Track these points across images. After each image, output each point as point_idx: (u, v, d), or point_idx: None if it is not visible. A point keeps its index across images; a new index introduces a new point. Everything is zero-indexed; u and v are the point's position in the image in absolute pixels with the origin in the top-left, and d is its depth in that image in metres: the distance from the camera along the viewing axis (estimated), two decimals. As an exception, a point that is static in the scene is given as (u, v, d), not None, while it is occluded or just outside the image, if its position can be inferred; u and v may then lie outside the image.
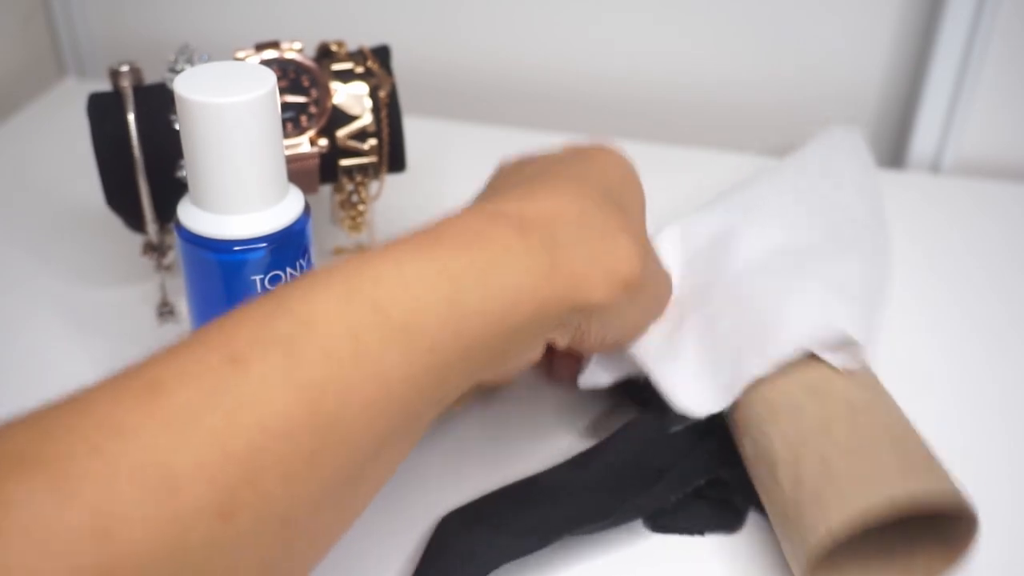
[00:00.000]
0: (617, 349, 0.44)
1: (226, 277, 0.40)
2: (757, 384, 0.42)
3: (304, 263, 0.42)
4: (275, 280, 0.41)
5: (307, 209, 0.42)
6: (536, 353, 0.39)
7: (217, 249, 0.40)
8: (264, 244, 0.40)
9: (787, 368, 0.42)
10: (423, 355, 0.31)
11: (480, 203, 0.39)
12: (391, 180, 0.57)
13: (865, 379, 0.43)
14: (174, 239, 0.50)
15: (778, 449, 0.40)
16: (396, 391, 0.30)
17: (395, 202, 0.63)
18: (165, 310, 0.54)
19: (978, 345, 0.54)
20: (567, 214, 0.37)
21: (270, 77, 0.39)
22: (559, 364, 0.48)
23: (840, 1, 0.72)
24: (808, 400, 0.41)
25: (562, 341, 0.39)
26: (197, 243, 0.40)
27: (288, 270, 0.41)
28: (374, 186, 0.55)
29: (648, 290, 0.41)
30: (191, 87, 0.38)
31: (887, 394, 0.43)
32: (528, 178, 0.41)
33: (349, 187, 0.54)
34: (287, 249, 0.41)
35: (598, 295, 0.37)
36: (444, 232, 0.35)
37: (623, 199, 0.41)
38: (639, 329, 0.43)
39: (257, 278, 0.40)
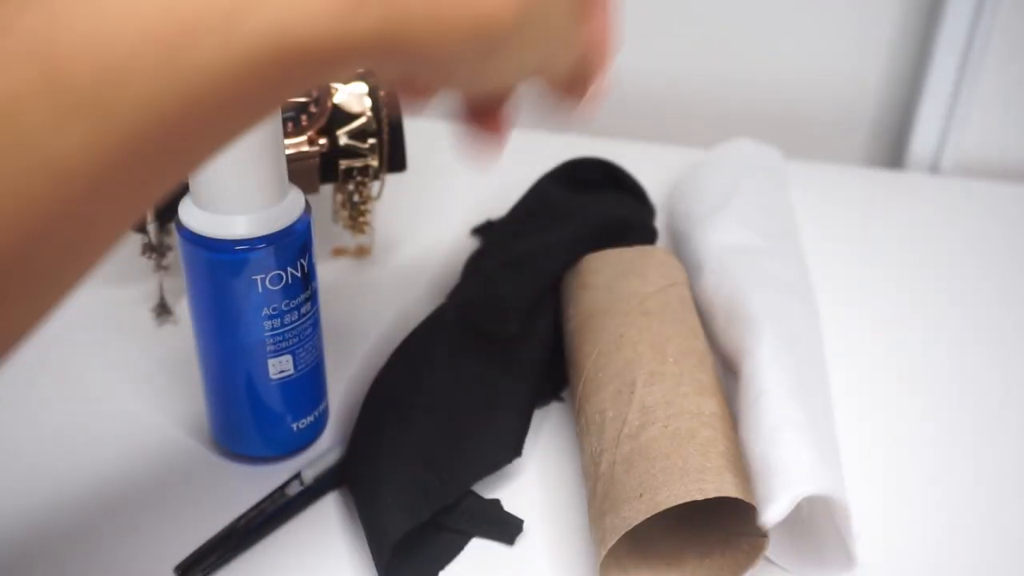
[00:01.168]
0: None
1: (227, 277, 0.40)
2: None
3: (305, 262, 0.42)
4: (276, 280, 0.41)
5: (308, 209, 0.42)
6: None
7: (218, 249, 0.40)
8: (264, 244, 0.40)
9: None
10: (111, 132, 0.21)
11: None
12: (392, 180, 0.57)
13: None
14: (173, 240, 0.51)
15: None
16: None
17: (396, 202, 0.63)
18: (162, 311, 0.54)
19: (978, 345, 0.54)
20: None
21: None
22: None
23: (840, 2, 0.72)
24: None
25: (385, 76, 0.30)
26: (198, 243, 0.40)
27: (289, 269, 0.41)
28: (375, 186, 0.55)
29: (530, 36, 0.27)
30: None
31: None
32: None
33: (350, 187, 0.54)
34: (288, 249, 0.41)
35: (430, 43, 0.24)
36: None
37: None
38: (507, 84, 0.30)
39: (258, 278, 0.40)
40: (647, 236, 0.56)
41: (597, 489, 0.40)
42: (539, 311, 0.50)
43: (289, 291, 0.41)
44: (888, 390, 0.51)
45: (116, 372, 0.51)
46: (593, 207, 0.55)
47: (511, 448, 0.44)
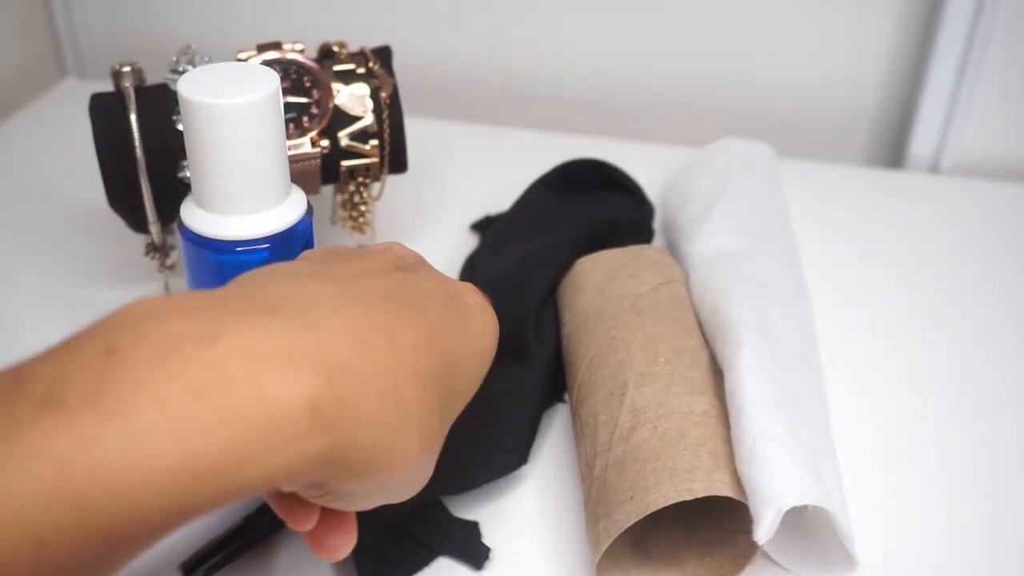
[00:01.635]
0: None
1: (228, 278, 0.40)
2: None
3: None
4: None
5: (309, 210, 0.42)
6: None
7: (219, 249, 0.40)
8: (266, 244, 0.40)
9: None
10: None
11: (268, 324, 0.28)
12: (392, 181, 0.57)
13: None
14: (176, 239, 0.51)
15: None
16: None
17: (396, 202, 0.63)
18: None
19: (978, 345, 0.54)
20: (382, 385, 0.29)
21: (273, 78, 0.39)
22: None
23: (840, 2, 0.72)
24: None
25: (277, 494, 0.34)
26: (200, 243, 0.40)
27: None
28: (375, 187, 0.55)
29: (406, 482, 0.33)
30: (194, 88, 0.38)
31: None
32: (384, 296, 0.31)
33: (351, 187, 0.54)
34: (289, 249, 0.41)
35: (346, 486, 0.30)
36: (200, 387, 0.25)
37: (456, 383, 0.33)
38: (370, 504, 0.33)
39: None
40: (641, 235, 0.56)
41: (592, 493, 0.40)
42: (543, 318, 0.50)
43: None
44: (888, 390, 0.51)
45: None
46: (584, 211, 0.55)
47: (518, 455, 0.44)
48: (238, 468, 0.25)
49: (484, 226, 0.62)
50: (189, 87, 0.38)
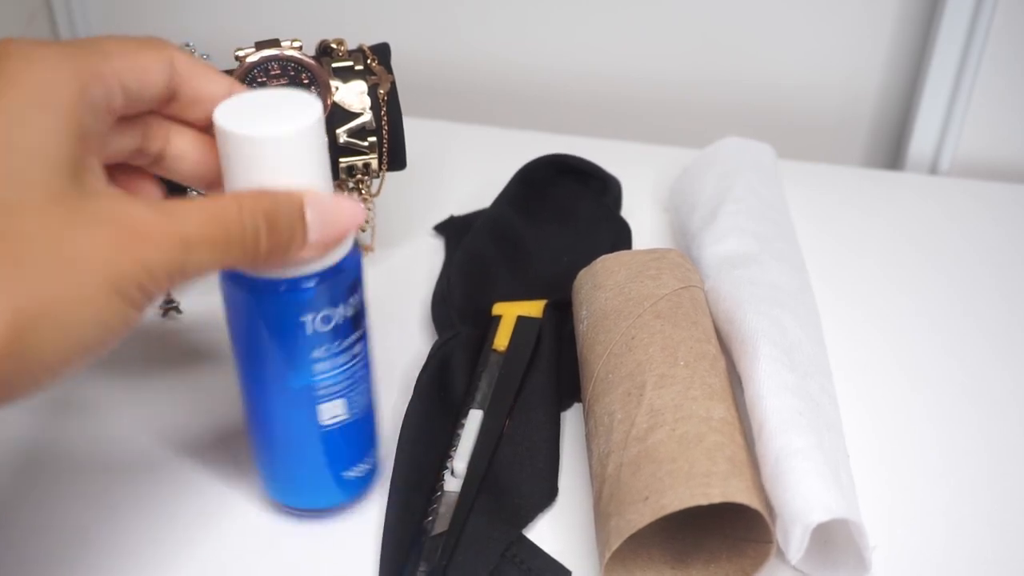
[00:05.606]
0: None
1: (274, 319, 0.37)
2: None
3: (356, 299, 0.39)
4: (327, 320, 0.37)
5: (356, 244, 0.39)
6: None
7: (262, 290, 0.36)
8: (313, 282, 0.37)
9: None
10: None
11: None
12: (390, 180, 0.57)
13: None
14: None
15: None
16: None
17: (394, 202, 0.63)
18: (169, 307, 0.54)
19: (977, 345, 0.54)
20: None
21: (316, 104, 0.35)
22: None
23: (839, 2, 0.72)
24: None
25: None
26: (239, 283, 0.37)
27: (340, 307, 0.38)
28: (374, 184, 0.55)
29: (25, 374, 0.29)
30: (234, 119, 0.34)
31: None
32: None
33: (350, 184, 0.54)
34: (336, 287, 0.37)
35: None
36: None
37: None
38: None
39: (307, 318, 0.37)
40: (620, 231, 0.58)
41: (604, 491, 0.40)
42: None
43: (340, 332, 0.38)
44: (887, 390, 0.51)
45: (125, 378, 0.51)
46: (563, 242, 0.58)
47: (549, 491, 0.44)
48: None
49: (447, 226, 0.62)
50: (228, 118, 0.34)
